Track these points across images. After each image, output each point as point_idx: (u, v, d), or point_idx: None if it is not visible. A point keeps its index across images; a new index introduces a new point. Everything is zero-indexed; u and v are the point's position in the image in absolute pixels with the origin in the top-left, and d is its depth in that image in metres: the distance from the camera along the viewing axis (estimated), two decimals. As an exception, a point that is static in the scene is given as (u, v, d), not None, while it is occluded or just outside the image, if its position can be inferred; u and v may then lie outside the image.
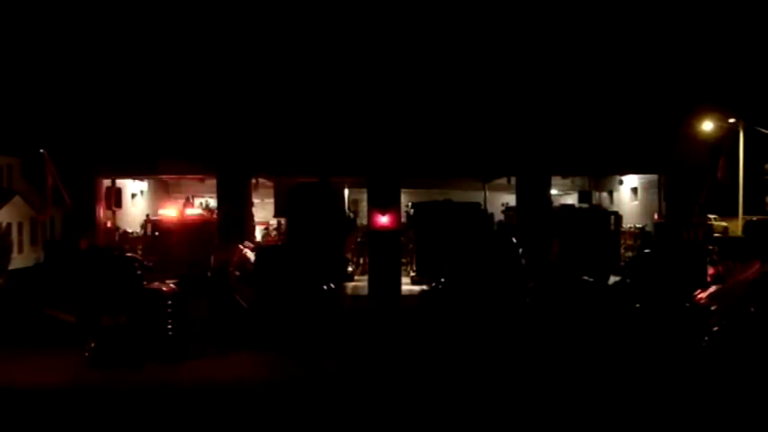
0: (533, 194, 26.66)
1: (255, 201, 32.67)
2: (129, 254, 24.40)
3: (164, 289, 16.93)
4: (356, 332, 18.70)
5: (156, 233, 28.68)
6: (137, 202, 34.38)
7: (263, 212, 36.56)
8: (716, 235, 35.13)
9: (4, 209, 33.86)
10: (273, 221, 34.71)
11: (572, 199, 37.48)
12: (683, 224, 26.12)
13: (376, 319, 20.97)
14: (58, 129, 28.77)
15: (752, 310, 19.66)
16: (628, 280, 18.62)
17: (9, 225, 33.64)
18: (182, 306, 16.21)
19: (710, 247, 20.16)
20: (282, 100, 27.38)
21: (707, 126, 38.56)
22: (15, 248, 33.40)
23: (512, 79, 26.69)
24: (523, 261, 19.17)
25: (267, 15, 27.43)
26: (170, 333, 15.63)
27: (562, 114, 27.58)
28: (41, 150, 24.24)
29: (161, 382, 13.86)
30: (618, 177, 34.41)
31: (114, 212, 28.53)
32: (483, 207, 32.05)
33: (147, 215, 30.81)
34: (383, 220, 26.41)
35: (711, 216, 36.19)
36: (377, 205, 26.67)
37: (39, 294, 17.21)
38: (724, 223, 42.37)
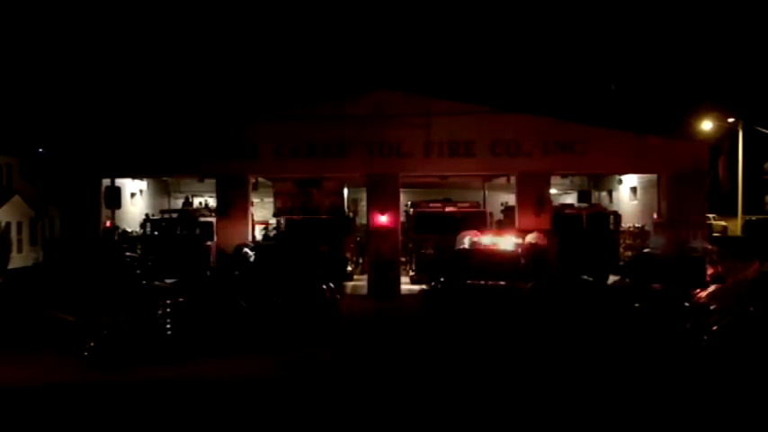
0: (533, 193, 26.66)
1: (255, 200, 32.66)
2: (128, 253, 24.37)
3: (163, 288, 16.93)
4: (355, 331, 18.73)
5: (156, 232, 28.69)
6: (136, 202, 34.37)
7: (263, 212, 36.59)
8: (715, 234, 35.18)
9: (4, 208, 33.89)
10: (273, 221, 34.75)
11: (571, 198, 37.51)
12: (682, 224, 26.14)
13: (375, 319, 20.99)
14: (58, 129, 28.79)
15: (752, 309, 19.71)
16: (627, 279, 18.61)
17: (8, 224, 33.67)
18: (181, 306, 16.18)
19: (710, 247, 20.15)
20: (280, 99, 27.38)
21: (707, 126, 38.67)
22: (15, 248, 33.43)
23: (506, 78, 26.70)
24: (522, 261, 19.15)
25: (263, 16, 27.45)
26: (169, 333, 15.61)
27: (560, 113, 27.63)
28: (41, 150, 24.23)
29: (160, 382, 13.86)
30: (617, 177, 34.43)
31: (113, 212, 28.49)
32: (483, 206, 32.16)
33: (147, 214, 30.81)
34: (382, 219, 26.44)
35: (711, 216, 36.21)
36: (376, 204, 26.69)
37: (38, 294, 17.18)
38: (723, 223, 42.45)
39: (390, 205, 26.76)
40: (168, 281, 18.20)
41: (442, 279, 18.28)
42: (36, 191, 36.96)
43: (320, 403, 12.42)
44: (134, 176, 31.84)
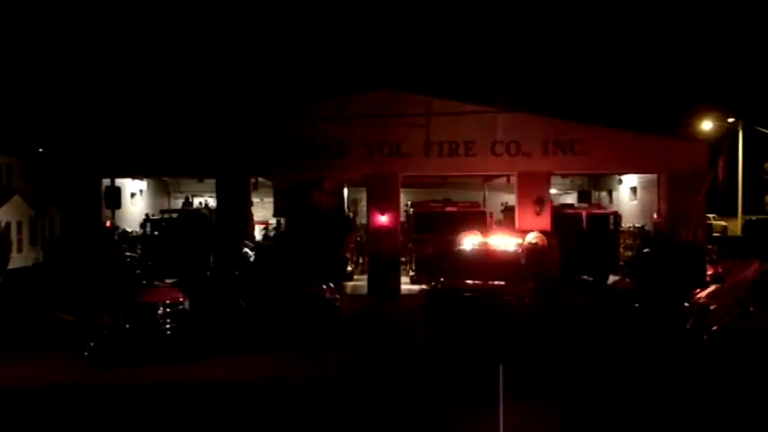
0: (533, 193, 26.66)
1: (255, 200, 32.68)
2: (128, 253, 24.36)
3: (163, 288, 16.91)
4: (355, 331, 18.73)
5: (156, 232, 28.69)
6: (136, 202, 34.39)
7: (263, 212, 36.63)
8: (715, 234, 35.22)
9: (4, 208, 33.93)
10: (273, 221, 34.78)
11: (571, 198, 37.54)
12: (681, 224, 26.15)
13: (375, 319, 20.99)
14: (58, 129, 28.77)
15: (751, 310, 19.74)
16: (627, 279, 18.61)
17: (8, 224, 33.69)
18: (181, 306, 16.18)
19: (710, 247, 20.15)
20: (280, 99, 27.36)
21: (707, 126, 38.73)
22: (15, 248, 33.44)
23: (506, 78, 26.67)
24: (522, 261, 19.13)
25: (262, 17, 27.46)
26: (169, 333, 15.61)
27: (560, 113, 27.62)
28: (41, 150, 24.23)
29: (160, 382, 13.86)
30: (617, 177, 34.46)
31: (113, 212, 28.51)
32: (483, 206, 32.15)
33: (147, 214, 30.82)
34: (382, 219, 26.46)
35: (711, 216, 36.24)
36: (376, 204, 26.71)
37: (38, 294, 17.17)
38: (723, 223, 42.50)
39: (390, 205, 26.76)
40: (168, 281, 18.19)
41: (441, 279, 18.26)
42: (36, 191, 36.99)
43: (320, 404, 12.42)
44: (134, 176, 31.83)
